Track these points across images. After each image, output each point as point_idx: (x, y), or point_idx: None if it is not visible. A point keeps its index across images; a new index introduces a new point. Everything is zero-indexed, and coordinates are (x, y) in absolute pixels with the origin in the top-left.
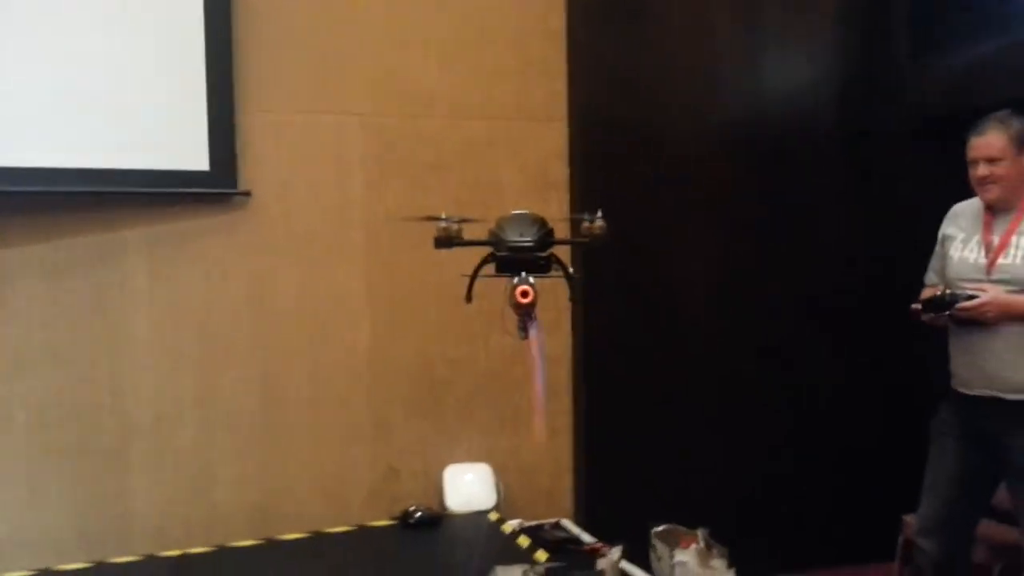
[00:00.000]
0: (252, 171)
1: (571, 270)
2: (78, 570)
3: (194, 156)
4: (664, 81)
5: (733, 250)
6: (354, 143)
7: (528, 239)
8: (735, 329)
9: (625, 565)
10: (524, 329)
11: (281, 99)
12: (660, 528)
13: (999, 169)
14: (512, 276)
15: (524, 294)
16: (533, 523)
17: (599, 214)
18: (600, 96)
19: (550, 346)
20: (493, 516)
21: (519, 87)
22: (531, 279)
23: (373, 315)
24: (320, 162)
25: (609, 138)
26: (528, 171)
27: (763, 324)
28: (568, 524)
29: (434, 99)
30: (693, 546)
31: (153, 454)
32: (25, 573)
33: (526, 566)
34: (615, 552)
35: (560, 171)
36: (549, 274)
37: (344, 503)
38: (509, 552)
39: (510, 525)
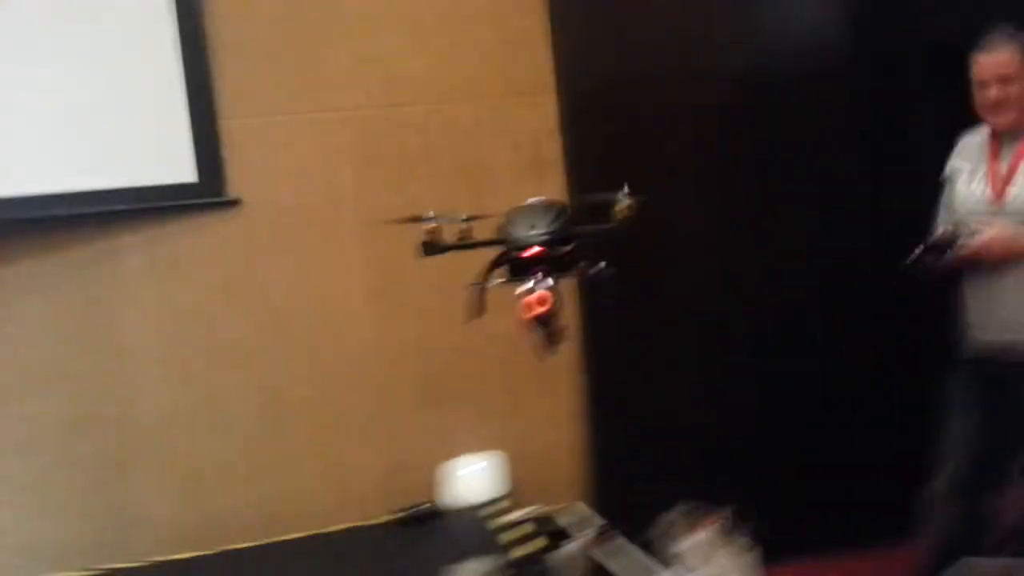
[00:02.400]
0: (240, 177)
1: (603, 264)
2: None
3: (181, 168)
4: (654, 33)
5: (742, 214)
6: (339, 139)
7: (542, 232)
8: (747, 300)
9: (624, 545)
10: (554, 344)
11: (261, 103)
12: (679, 509)
13: (1014, 88)
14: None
15: (541, 301)
16: (544, 510)
17: (625, 190)
18: (587, 62)
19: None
20: (503, 504)
21: (502, 62)
22: (549, 281)
23: (372, 309)
24: (306, 161)
25: (601, 106)
26: (520, 149)
27: (778, 294)
28: (582, 508)
29: (416, 85)
30: (711, 527)
31: (160, 461)
32: None
33: (488, 565)
34: (587, 534)
35: (552, 147)
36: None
37: (352, 500)
38: (505, 543)
39: (516, 514)
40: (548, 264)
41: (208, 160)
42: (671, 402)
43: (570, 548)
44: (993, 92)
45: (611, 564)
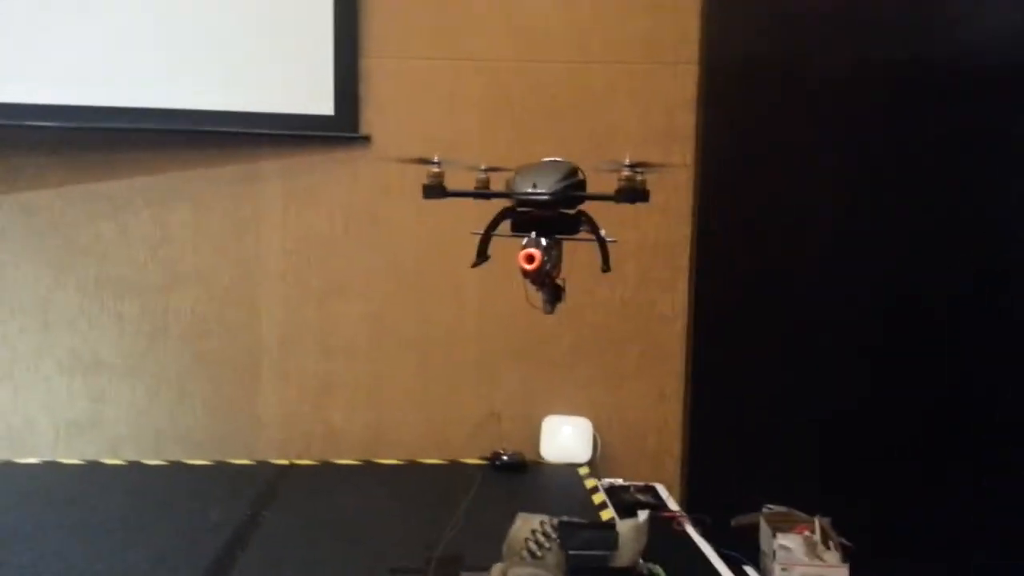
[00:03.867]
0: (372, 116)
1: (604, 233)
2: (204, 466)
3: (320, 101)
4: (814, 10)
5: (883, 214)
6: (470, 87)
7: (543, 191)
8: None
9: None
10: (552, 303)
11: (401, 44)
12: (773, 509)
13: None
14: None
15: (529, 259)
16: (621, 483)
17: (627, 160)
18: (737, 35)
19: (667, 306)
20: (583, 471)
21: (647, 27)
22: (543, 241)
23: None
24: (436, 107)
25: (743, 82)
26: (651, 120)
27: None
28: (662, 490)
29: (554, 42)
30: (805, 533)
31: (279, 372)
32: (161, 461)
33: (545, 517)
34: (640, 515)
35: (687, 120)
36: (578, 236)
37: (444, 439)
38: (578, 504)
39: (594, 481)
40: (547, 224)
41: (346, 95)
42: (776, 399)
43: (638, 521)
44: None
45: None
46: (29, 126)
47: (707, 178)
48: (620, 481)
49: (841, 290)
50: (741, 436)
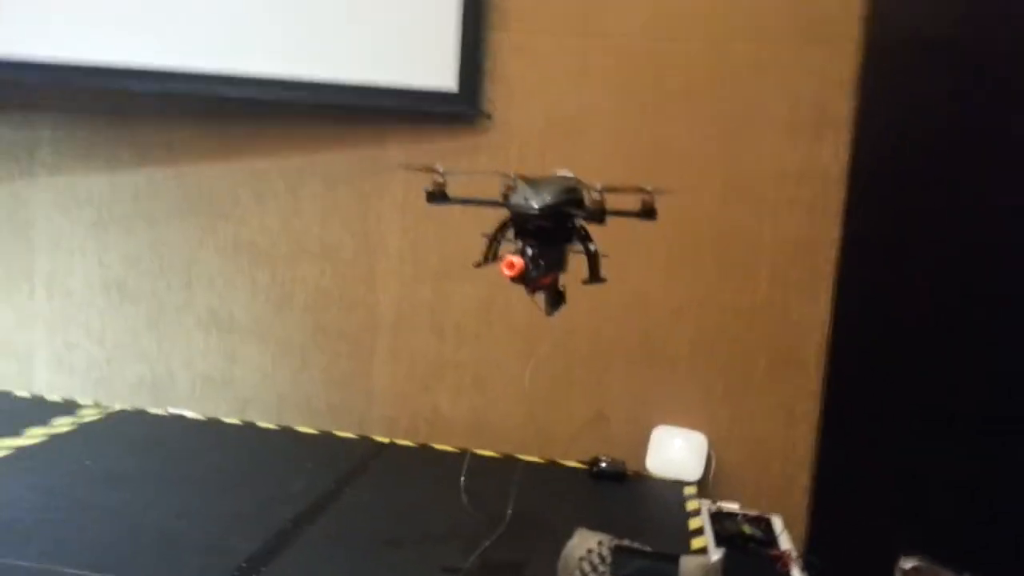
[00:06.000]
0: (496, 93)
1: (593, 246)
2: (310, 435)
3: (443, 76)
4: None
5: None
6: (598, 66)
7: (533, 204)
8: None
9: None
10: (552, 305)
11: (529, 19)
12: (910, 563)
13: None
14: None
15: (509, 265)
16: (732, 510)
17: (598, 185)
18: (906, 7)
19: (804, 314)
20: (689, 490)
21: (798, 1)
22: (528, 250)
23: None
24: (562, 86)
25: (913, 63)
26: (800, 104)
27: None
28: (777, 523)
29: (692, 20)
30: None
31: (392, 349)
32: (273, 426)
33: (605, 537)
34: (714, 555)
35: (841, 105)
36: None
37: (549, 436)
38: (670, 527)
39: (697, 503)
40: (543, 233)
41: (470, 71)
42: (926, 430)
43: (709, 559)
44: None
45: None
46: (178, 94)
47: (862, 173)
48: (733, 507)
49: (1014, 305)
50: (881, 471)
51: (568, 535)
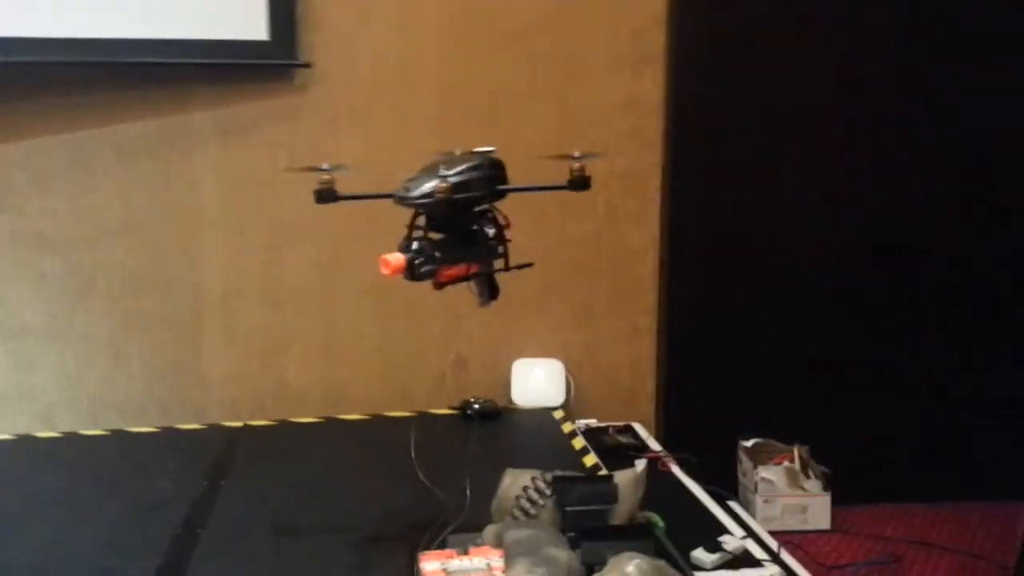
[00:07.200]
0: (314, 41)
1: (494, 230)
2: (148, 433)
3: (253, 25)
4: None
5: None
6: (423, 11)
7: (425, 192)
8: (850, 222)
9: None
10: (484, 296)
11: None
12: (750, 442)
13: None
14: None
15: (384, 264)
16: (600, 425)
17: (443, 171)
18: None
19: (638, 238)
20: (558, 414)
21: None
22: (415, 244)
23: None
24: (386, 32)
25: None
26: (620, 39)
27: (887, 217)
28: (640, 429)
29: None
30: (785, 463)
31: (224, 328)
32: (102, 431)
33: (536, 472)
34: (638, 465)
35: (658, 39)
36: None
37: (409, 389)
38: (559, 452)
39: (571, 425)
40: (446, 223)
41: (282, 19)
42: (750, 333)
43: (636, 471)
44: None
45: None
46: None
47: (679, 103)
48: (595, 422)
49: (821, 224)
50: (716, 371)
51: (478, 478)
